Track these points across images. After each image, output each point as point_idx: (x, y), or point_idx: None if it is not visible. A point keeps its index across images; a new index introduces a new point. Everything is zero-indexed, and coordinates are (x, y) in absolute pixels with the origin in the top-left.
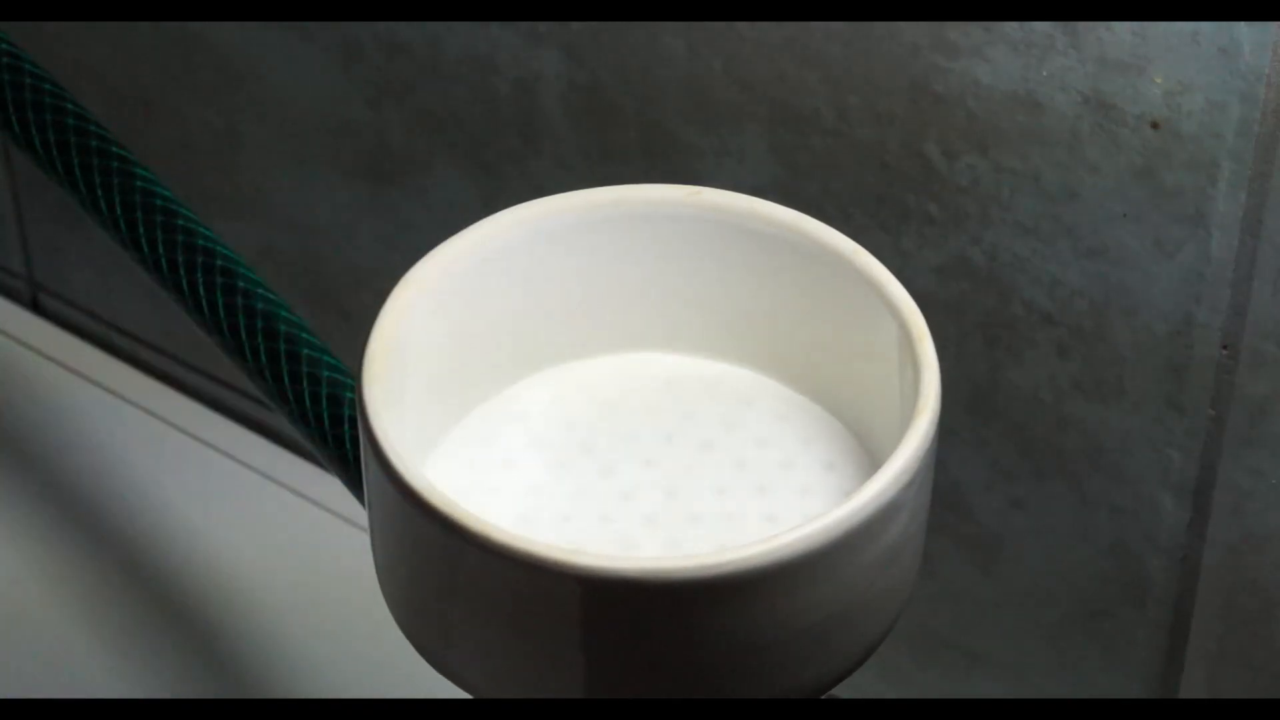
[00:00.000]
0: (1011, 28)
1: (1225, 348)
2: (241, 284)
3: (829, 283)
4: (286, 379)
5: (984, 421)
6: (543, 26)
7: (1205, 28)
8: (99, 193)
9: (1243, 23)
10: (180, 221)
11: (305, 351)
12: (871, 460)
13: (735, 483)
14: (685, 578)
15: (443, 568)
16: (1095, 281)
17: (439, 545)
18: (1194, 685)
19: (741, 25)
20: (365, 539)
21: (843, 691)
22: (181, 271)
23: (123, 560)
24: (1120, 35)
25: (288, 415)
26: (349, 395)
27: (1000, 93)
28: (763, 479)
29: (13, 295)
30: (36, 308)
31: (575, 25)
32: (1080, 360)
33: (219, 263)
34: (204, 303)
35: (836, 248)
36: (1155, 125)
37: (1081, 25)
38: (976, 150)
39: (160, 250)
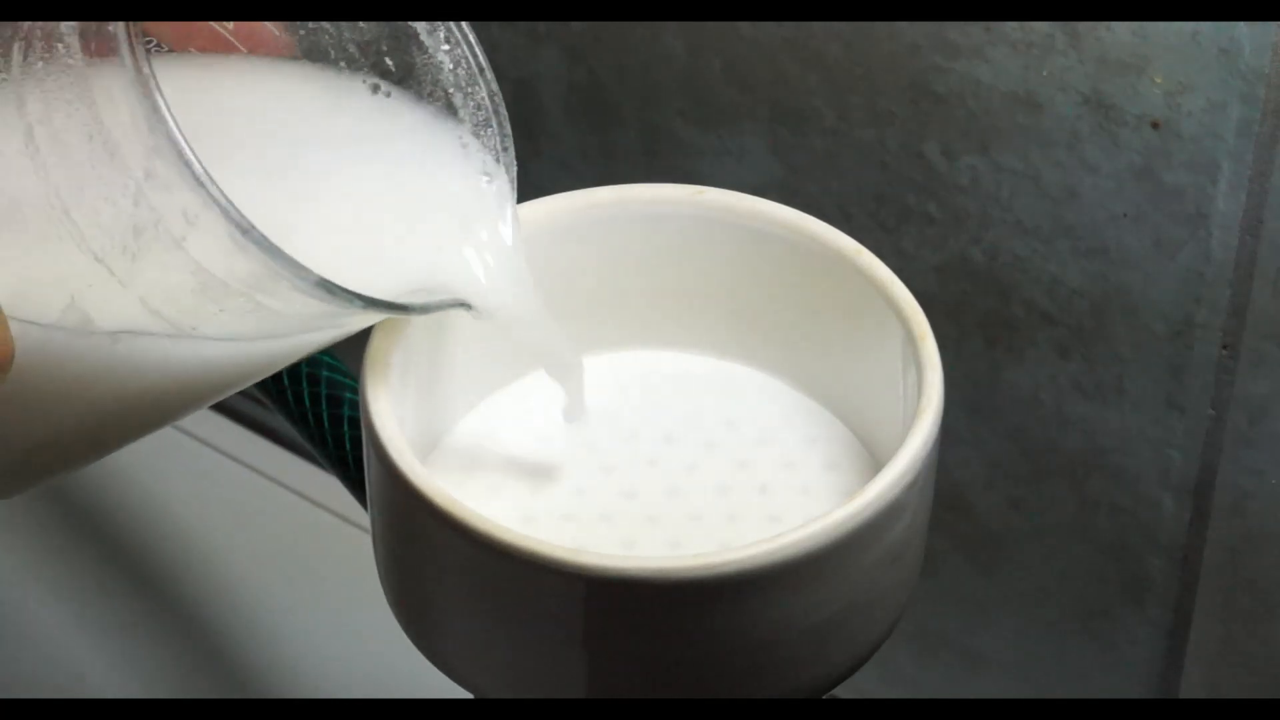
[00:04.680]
0: (1011, 28)
1: (1225, 348)
2: None
3: (832, 283)
4: (286, 379)
5: (984, 421)
6: (543, 26)
7: (1205, 28)
8: None
9: (1243, 23)
10: None
11: None
12: (873, 460)
13: (737, 482)
14: (688, 577)
15: (445, 566)
16: (1095, 281)
17: (442, 544)
18: (1194, 685)
19: (741, 25)
20: (365, 539)
21: (843, 691)
22: None
23: (123, 560)
24: (1120, 35)
25: (287, 416)
26: (349, 395)
27: (1000, 93)
28: (764, 479)
29: None
30: None
31: (575, 25)
32: (1080, 360)
33: None
34: None
35: (839, 248)
36: (1155, 125)
37: (1081, 25)
38: (976, 150)
39: None
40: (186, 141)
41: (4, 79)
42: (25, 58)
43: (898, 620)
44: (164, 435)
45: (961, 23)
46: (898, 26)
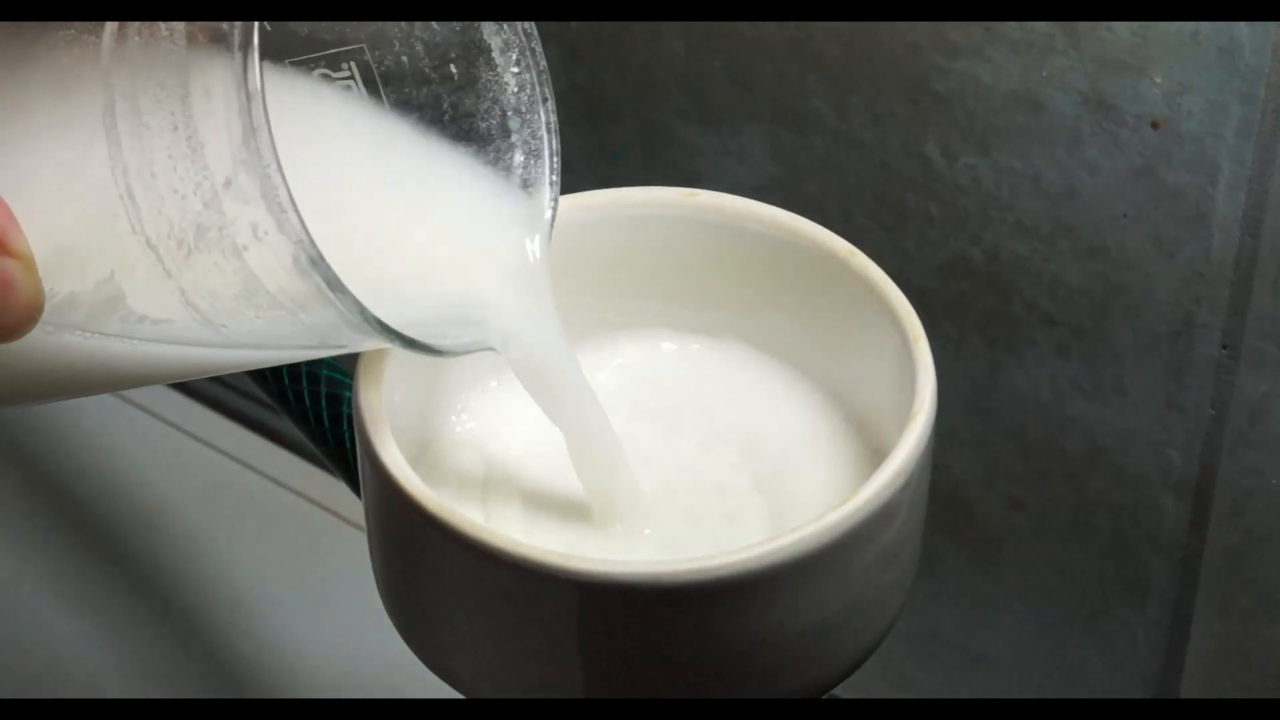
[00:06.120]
0: (1011, 28)
1: (1225, 348)
2: None
3: (826, 284)
4: (287, 379)
5: (984, 421)
6: (543, 26)
7: (1205, 28)
8: None
9: (1243, 23)
10: None
11: None
12: (873, 459)
13: (735, 482)
14: (680, 581)
15: (439, 572)
16: (1095, 281)
17: (435, 550)
18: (1194, 685)
19: (741, 25)
20: (365, 539)
21: (843, 691)
22: None
23: (123, 560)
24: (1120, 35)
25: (289, 414)
26: (348, 394)
27: (1000, 93)
28: (762, 479)
29: None
30: None
31: (575, 25)
32: (1080, 360)
33: None
34: None
35: (833, 249)
36: (1155, 125)
37: (1081, 25)
38: (976, 150)
39: None
40: (279, 166)
41: (95, 41)
42: (121, 27)
43: (895, 621)
44: (164, 435)
45: (961, 23)
46: (898, 26)
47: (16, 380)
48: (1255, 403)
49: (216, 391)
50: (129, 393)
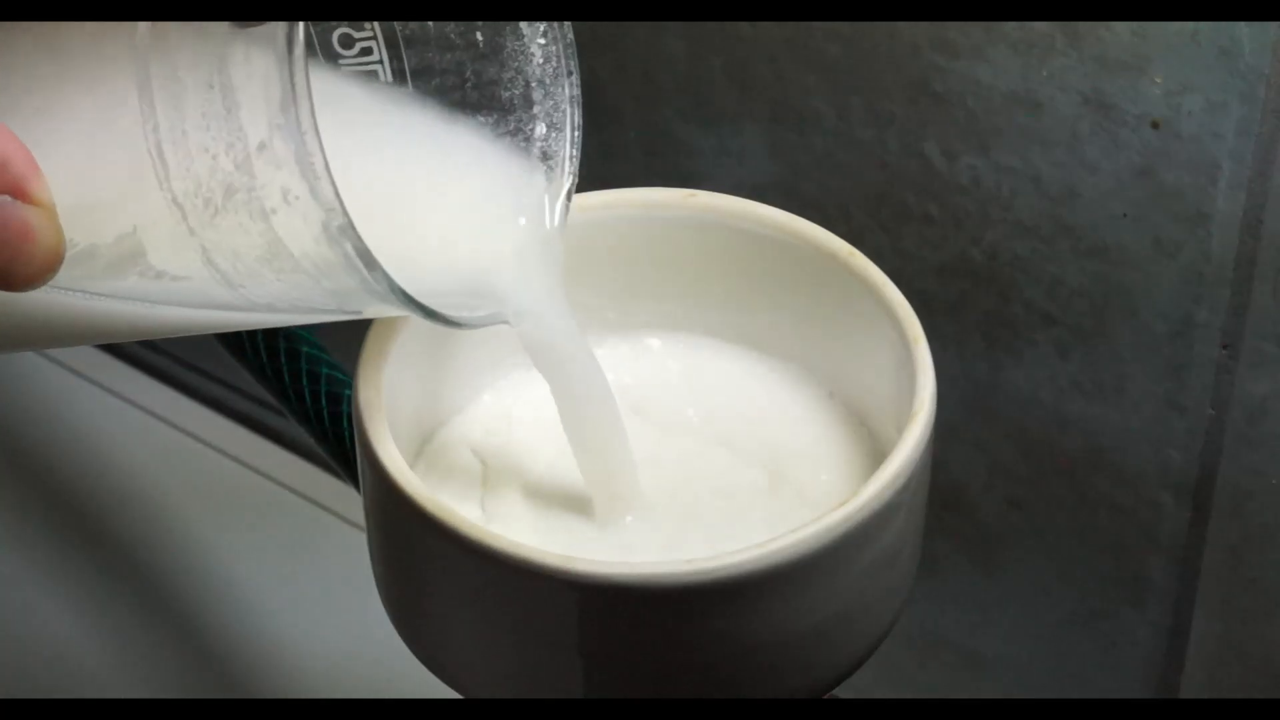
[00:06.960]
0: (1011, 28)
1: (1225, 348)
2: None
3: (825, 284)
4: (287, 378)
5: (984, 421)
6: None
7: (1205, 28)
8: None
9: (1243, 23)
10: None
11: (305, 349)
12: (873, 459)
13: (734, 483)
14: (680, 583)
15: (438, 573)
16: (1095, 281)
17: (434, 550)
18: (1194, 685)
19: (741, 25)
20: (365, 539)
21: (843, 691)
22: None
23: (123, 560)
24: (1120, 35)
25: (290, 413)
26: (348, 394)
27: (1000, 93)
28: (761, 480)
29: None
30: None
31: (575, 25)
32: (1080, 360)
33: None
34: None
35: (832, 250)
36: (1155, 125)
37: (1081, 25)
38: (976, 150)
39: None
40: (317, 133)
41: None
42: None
43: (895, 622)
44: (164, 435)
45: (961, 23)
46: (898, 26)
47: (28, 326)
48: (1255, 403)
49: (217, 391)
50: (129, 392)
